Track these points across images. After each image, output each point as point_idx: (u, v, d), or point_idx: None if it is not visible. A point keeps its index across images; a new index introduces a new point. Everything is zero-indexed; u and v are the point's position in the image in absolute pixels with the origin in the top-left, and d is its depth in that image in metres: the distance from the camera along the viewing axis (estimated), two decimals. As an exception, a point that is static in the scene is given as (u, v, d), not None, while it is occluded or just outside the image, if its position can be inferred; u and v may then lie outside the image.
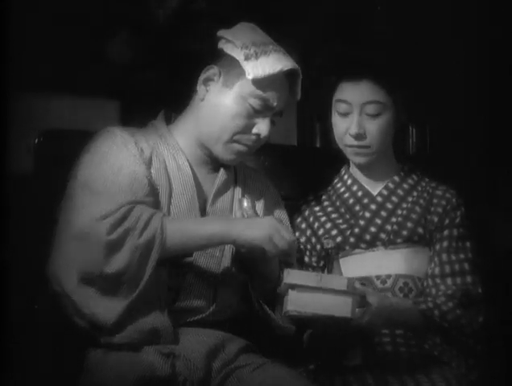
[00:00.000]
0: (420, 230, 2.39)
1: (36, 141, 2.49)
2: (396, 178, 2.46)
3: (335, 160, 2.54)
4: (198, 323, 2.16)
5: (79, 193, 2.08)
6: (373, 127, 2.37)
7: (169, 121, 2.32)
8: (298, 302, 2.05)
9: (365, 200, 2.45)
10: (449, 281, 2.35)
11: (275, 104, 2.22)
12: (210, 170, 2.29)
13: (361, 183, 2.47)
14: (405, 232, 2.39)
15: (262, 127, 2.22)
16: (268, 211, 2.35)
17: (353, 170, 2.49)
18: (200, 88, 2.25)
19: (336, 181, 2.53)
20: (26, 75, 3.12)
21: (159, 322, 2.07)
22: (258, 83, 2.20)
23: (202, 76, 2.25)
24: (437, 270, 2.37)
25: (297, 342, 2.36)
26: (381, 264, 2.38)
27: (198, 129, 2.25)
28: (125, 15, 3.59)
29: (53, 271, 2.06)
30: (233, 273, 2.21)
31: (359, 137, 2.37)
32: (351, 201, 2.46)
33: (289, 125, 3.99)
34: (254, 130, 2.22)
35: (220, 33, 2.27)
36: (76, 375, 2.03)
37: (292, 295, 2.06)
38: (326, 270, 2.30)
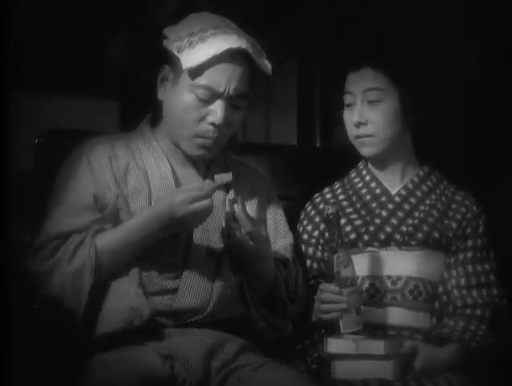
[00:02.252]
0: (436, 234, 2.38)
1: (36, 141, 2.49)
2: (415, 179, 2.44)
3: (335, 160, 2.54)
4: (196, 324, 2.15)
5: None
6: (375, 115, 2.36)
7: (157, 123, 2.30)
8: (344, 370, 2.15)
9: (383, 198, 2.43)
10: (475, 292, 2.36)
11: (222, 89, 2.16)
12: (197, 170, 2.27)
13: (380, 181, 2.44)
14: (420, 235, 2.37)
15: (214, 114, 2.17)
16: (262, 209, 2.34)
17: (372, 166, 2.47)
18: (160, 89, 2.24)
19: (353, 175, 2.50)
20: (27, 76, 3.12)
21: (135, 302, 2.09)
22: (196, 72, 2.15)
23: (158, 78, 2.24)
24: (463, 281, 2.37)
25: (296, 341, 2.36)
26: (394, 265, 2.36)
27: (167, 129, 2.25)
28: (125, 15, 3.60)
29: None
30: (229, 273, 2.20)
31: (360, 125, 2.36)
32: (368, 197, 2.44)
33: (289, 125, 3.99)
34: (208, 119, 2.18)
35: (164, 31, 2.23)
36: (76, 376, 2.03)
37: (337, 364, 2.16)
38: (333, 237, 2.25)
